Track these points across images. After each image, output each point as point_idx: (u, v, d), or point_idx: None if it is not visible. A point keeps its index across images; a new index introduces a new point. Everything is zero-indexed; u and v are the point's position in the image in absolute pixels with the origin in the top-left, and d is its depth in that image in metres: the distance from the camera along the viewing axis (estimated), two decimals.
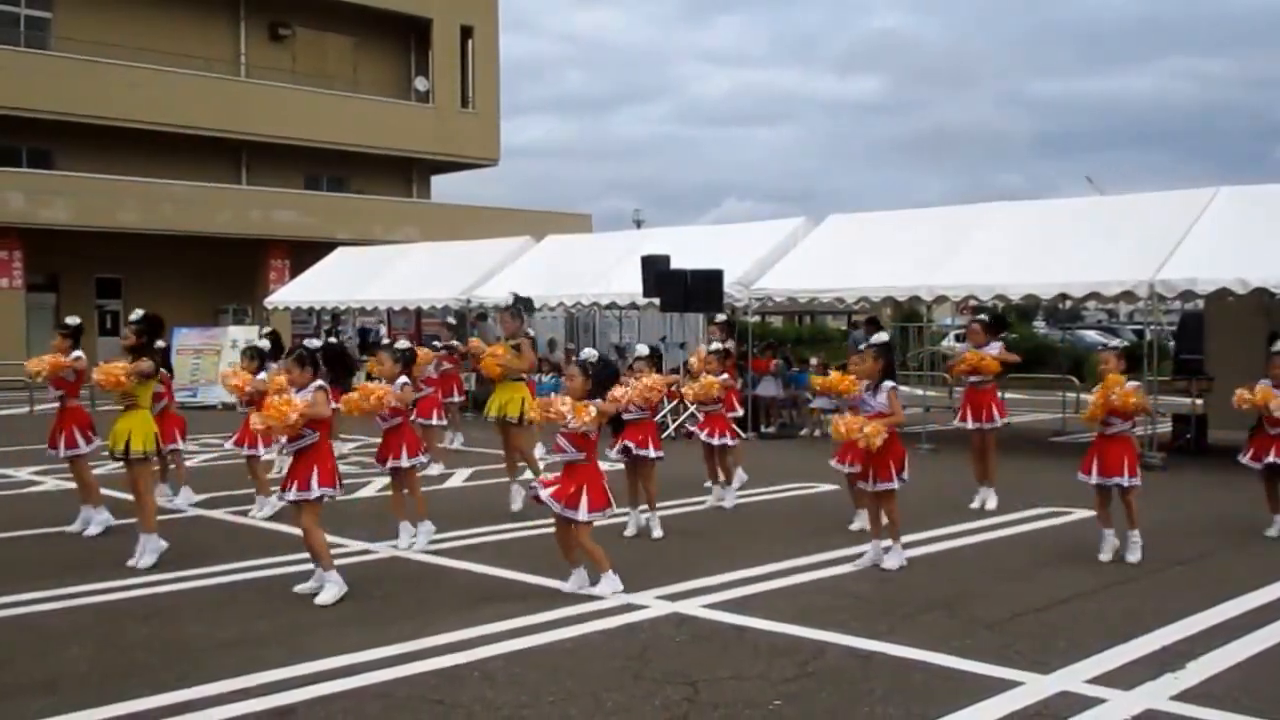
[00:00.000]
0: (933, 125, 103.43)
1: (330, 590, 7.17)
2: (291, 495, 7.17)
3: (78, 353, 9.38)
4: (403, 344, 9.42)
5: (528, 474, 10.43)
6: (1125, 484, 8.29)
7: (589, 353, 7.62)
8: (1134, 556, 8.32)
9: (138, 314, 8.88)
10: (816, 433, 17.35)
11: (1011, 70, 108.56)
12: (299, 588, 7.34)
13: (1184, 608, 6.91)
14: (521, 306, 10.89)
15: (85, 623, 6.74)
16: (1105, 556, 8.39)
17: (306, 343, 7.84)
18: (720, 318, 12.98)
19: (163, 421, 9.84)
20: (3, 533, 9.53)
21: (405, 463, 8.78)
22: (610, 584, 7.30)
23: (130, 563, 8.15)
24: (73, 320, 9.65)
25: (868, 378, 8.24)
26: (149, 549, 8.26)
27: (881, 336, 8.68)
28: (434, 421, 12.61)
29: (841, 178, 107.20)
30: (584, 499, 7.11)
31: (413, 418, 10.47)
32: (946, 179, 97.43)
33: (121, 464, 8.56)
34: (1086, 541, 8.99)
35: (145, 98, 32.66)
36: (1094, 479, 8.39)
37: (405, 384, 8.83)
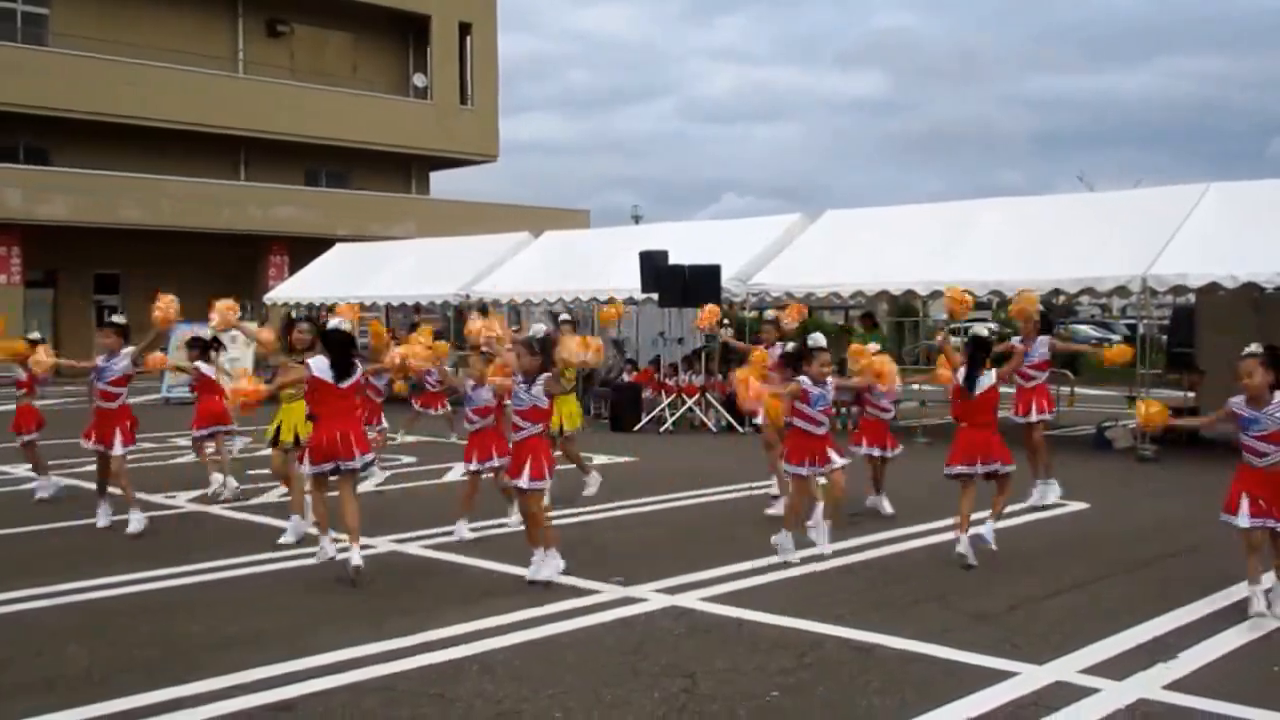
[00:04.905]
0: (933, 123, 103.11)
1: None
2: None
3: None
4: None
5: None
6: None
7: (538, 328, 7.78)
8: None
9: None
10: None
11: (1012, 69, 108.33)
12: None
13: (1176, 599, 6.97)
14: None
15: (83, 619, 6.76)
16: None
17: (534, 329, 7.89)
18: (771, 314, 11.53)
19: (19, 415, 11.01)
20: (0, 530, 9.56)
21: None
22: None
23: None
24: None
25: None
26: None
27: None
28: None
29: (842, 175, 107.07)
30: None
31: None
32: (946, 177, 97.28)
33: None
34: (1081, 534, 9.05)
35: (143, 94, 32.61)
36: None
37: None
